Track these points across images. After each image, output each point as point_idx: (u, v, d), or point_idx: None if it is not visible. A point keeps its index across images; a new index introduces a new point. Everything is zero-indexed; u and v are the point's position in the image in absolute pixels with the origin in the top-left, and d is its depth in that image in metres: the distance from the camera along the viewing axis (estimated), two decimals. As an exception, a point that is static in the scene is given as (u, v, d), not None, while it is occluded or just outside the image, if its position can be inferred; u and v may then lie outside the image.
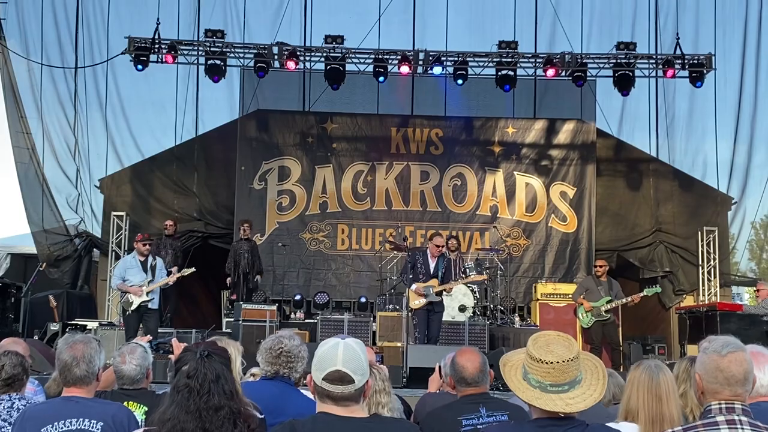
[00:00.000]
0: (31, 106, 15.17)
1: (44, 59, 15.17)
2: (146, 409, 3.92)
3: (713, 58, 14.21)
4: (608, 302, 11.65)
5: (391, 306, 13.28)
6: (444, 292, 11.03)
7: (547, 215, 15.91)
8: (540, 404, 2.77)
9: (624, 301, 11.71)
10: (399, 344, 11.50)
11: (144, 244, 10.83)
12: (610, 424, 3.35)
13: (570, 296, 13.25)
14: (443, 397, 4.71)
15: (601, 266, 12.18)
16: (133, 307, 10.51)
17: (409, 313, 10.96)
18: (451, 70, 14.38)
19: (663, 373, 3.53)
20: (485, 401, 4.06)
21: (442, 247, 10.99)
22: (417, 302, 10.68)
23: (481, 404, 4.02)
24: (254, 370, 4.55)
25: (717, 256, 15.29)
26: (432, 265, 10.80)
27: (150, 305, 10.65)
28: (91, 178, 15.77)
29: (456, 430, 3.94)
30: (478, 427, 3.90)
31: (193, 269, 11.77)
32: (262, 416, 3.23)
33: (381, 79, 14.38)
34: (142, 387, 4.13)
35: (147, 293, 10.58)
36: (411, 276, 10.76)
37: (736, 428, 2.74)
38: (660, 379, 3.49)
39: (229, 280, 13.66)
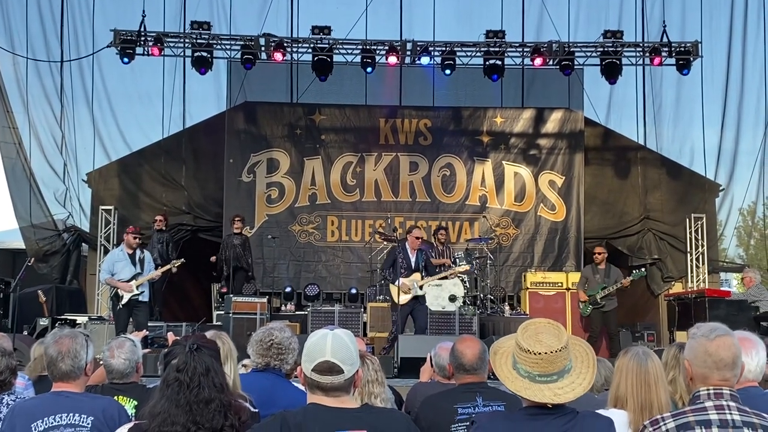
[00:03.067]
0: (17, 100, 15.08)
1: (29, 53, 15.06)
2: (136, 403, 3.91)
3: (700, 45, 14.24)
4: (603, 289, 11.79)
5: (381, 297, 13.29)
6: (430, 284, 11.21)
7: (536, 204, 15.94)
8: (528, 395, 2.78)
9: (617, 286, 11.78)
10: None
11: (135, 237, 10.82)
12: (600, 411, 3.37)
13: (559, 285, 13.55)
14: (434, 387, 4.72)
15: (599, 254, 12.29)
16: (124, 301, 10.49)
17: (393, 310, 11.10)
18: (438, 60, 14.37)
19: (651, 360, 3.55)
20: (482, 390, 4.06)
21: (421, 239, 11.12)
22: (402, 298, 10.82)
23: (477, 393, 4.02)
24: (246, 361, 4.56)
25: (705, 243, 15.38)
26: (413, 258, 10.97)
27: (140, 298, 10.63)
28: (78, 172, 15.71)
29: (452, 418, 3.95)
30: (474, 415, 3.91)
31: (182, 260, 11.79)
32: (256, 410, 3.23)
33: (369, 69, 14.35)
34: (132, 381, 4.12)
35: (137, 287, 10.56)
36: (394, 272, 10.88)
37: (725, 413, 2.76)
38: (648, 366, 3.51)
39: (215, 273, 13.68)
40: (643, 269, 12.27)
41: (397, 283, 10.73)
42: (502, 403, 3.98)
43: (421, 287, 10.90)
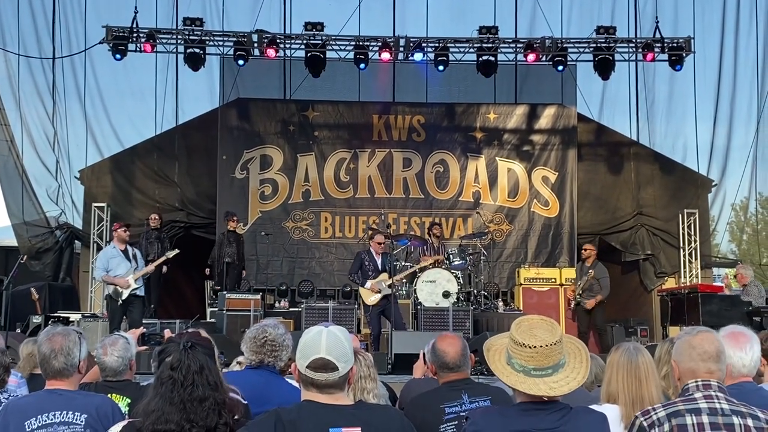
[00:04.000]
0: (8, 97, 15.01)
1: (21, 50, 14.99)
2: (129, 400, 3.90)
3: (692, 41, 14.27)
4: (580, 285, 12.16)
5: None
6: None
7: (530, 200, 15.96)
8: (524, 388, 2.79)
9: (583, 281, 12.08)
10: (384, 331, 11.57)
11: (125, 230, 10.79)
12: (593, 407, 3.38)
13: (553, 280, 13.69)
14: (428, 383, 4.71)
15: (584, 250, 12.68)
16: (124, 297, 10.45)
17: (365, 313, 11.56)
18: (432, 56, 14.36)
19: (642, 355, 3.57)
20: (467, 387, 4.05)
21: (384, 244, 11.55)
22: (372, 299, 11.19)
23: (463, 390, 4.00)
24: (240, 359, 4.55)
25: (698, 239, 15.40)
26: (378, 261, 11.37)
27: (138, 292, 10.62)
28: (71, 169, 15.64)
29: (439, 418, 3.93)
30: (461, 414, 3.91)
31: (176, 251, 11.76)
32: (245, 402, 3.23)
33: (362, 66, 14.33)
34: (126, 378, 4.11)
35: (134, 281, 10.55)
36: (361, 277, 11.32)
37: (714, 402, 2.83)
38: (639, 361, 3.53)
39: (208, 270, 13.65)
40: (590, 271, 12.37)
41: (366, 285, 11.17)
42: (488, 398, 3.98)
43: (389, 286, 11.18)
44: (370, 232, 13.82)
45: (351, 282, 12.56)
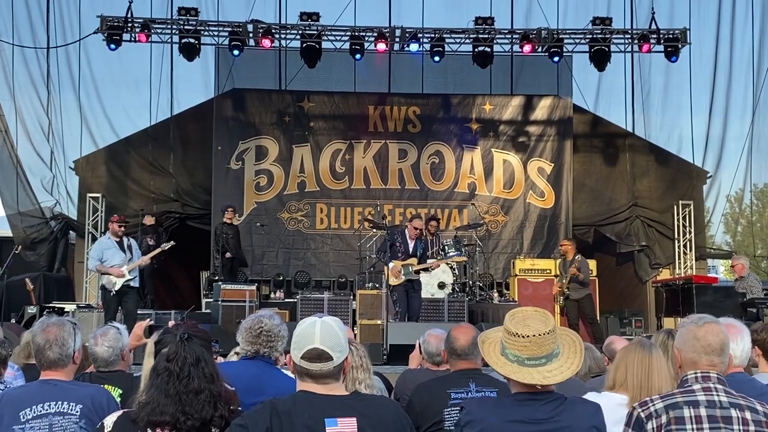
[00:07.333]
0: (3, 87, 15.00)
1: (15, 39, 14.93)
2: (121, 391, 3.89)
3: (688, 32, 14.27)
4: (565, 277, 12.12)
5: (370, 284, 13.30)
6: (423, 271, 11.30)
7: (525, 191, 15.97)
8: (518, 378, 2.80)
9: (569, 272, 12.03)
10: (379, 322, 11.57)
11: (120, 226, 10.77)
12: (593, 394, 3.41)
13: (548, 271, 13.67)
14: (424, 374, 4.73)
15: (563, 245, 12.73)
16: (117, 287, 10.42)
17: (389, 291, 11.18)
18: (427, 47, 14.34)
19: (657, 351, 3.63)
20: (476, 376, 4.10)
21: (421, 229, 11.26)
22: (395, 279, 10.94)
23: (471, 379, 4.06)
24: (236, 349, 4.55)
25: (692, 230, 15.45)
26: (411, 245, 11.08)
27: (132, 284, 10.61)
28: (65, 159, 15.63)
29: (444, 402, 4.00)
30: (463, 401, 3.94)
31: (172, 242, 11.74)
32: (232, 388, 3.22)
33: (357, 56, 14.30)
34: (118, 369, 4.10)
35: (129, 272, 10.53)
36: (389, 254, 11.00)
37: (712, 395, 2.82)
38: (652, 353, 3.58)
39: (218, 260, 13.60)
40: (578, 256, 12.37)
41: (390, 265, 10.92)
42: (495, 390, 4.01)
43: (416, 272, 10.98)
44: (383, 217, 13.78)
45: (378, 259, 12.34)
